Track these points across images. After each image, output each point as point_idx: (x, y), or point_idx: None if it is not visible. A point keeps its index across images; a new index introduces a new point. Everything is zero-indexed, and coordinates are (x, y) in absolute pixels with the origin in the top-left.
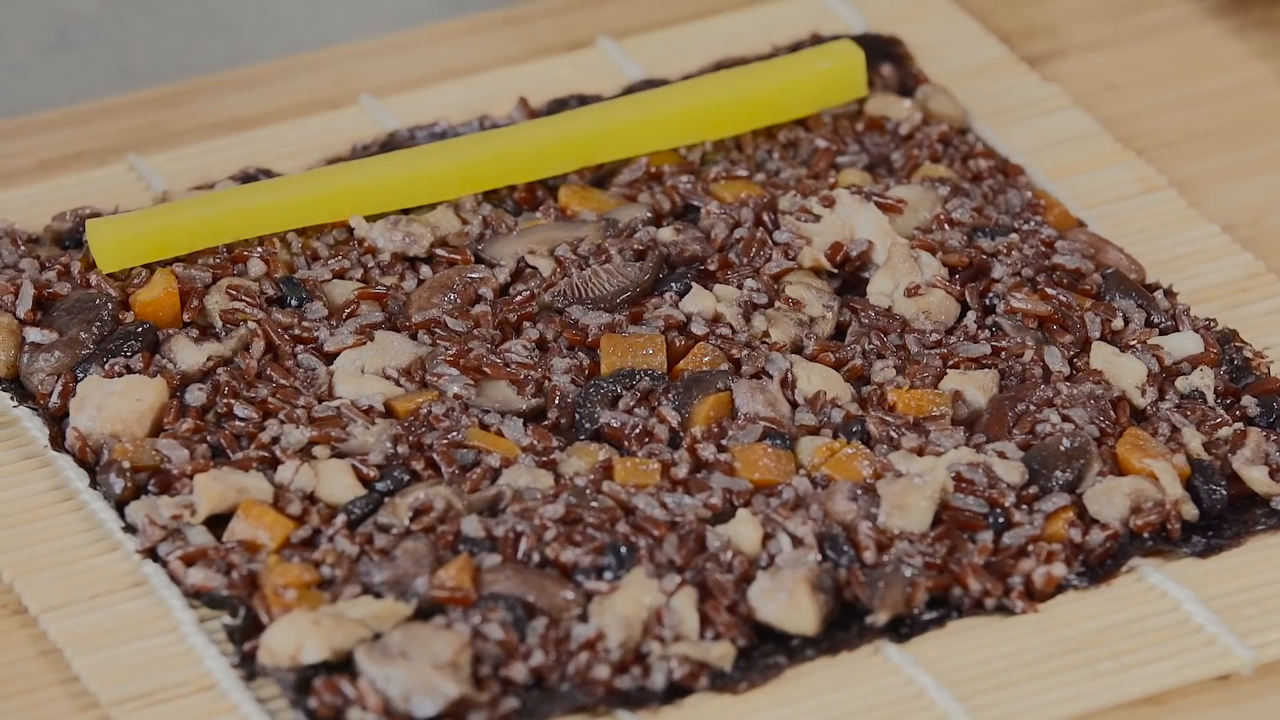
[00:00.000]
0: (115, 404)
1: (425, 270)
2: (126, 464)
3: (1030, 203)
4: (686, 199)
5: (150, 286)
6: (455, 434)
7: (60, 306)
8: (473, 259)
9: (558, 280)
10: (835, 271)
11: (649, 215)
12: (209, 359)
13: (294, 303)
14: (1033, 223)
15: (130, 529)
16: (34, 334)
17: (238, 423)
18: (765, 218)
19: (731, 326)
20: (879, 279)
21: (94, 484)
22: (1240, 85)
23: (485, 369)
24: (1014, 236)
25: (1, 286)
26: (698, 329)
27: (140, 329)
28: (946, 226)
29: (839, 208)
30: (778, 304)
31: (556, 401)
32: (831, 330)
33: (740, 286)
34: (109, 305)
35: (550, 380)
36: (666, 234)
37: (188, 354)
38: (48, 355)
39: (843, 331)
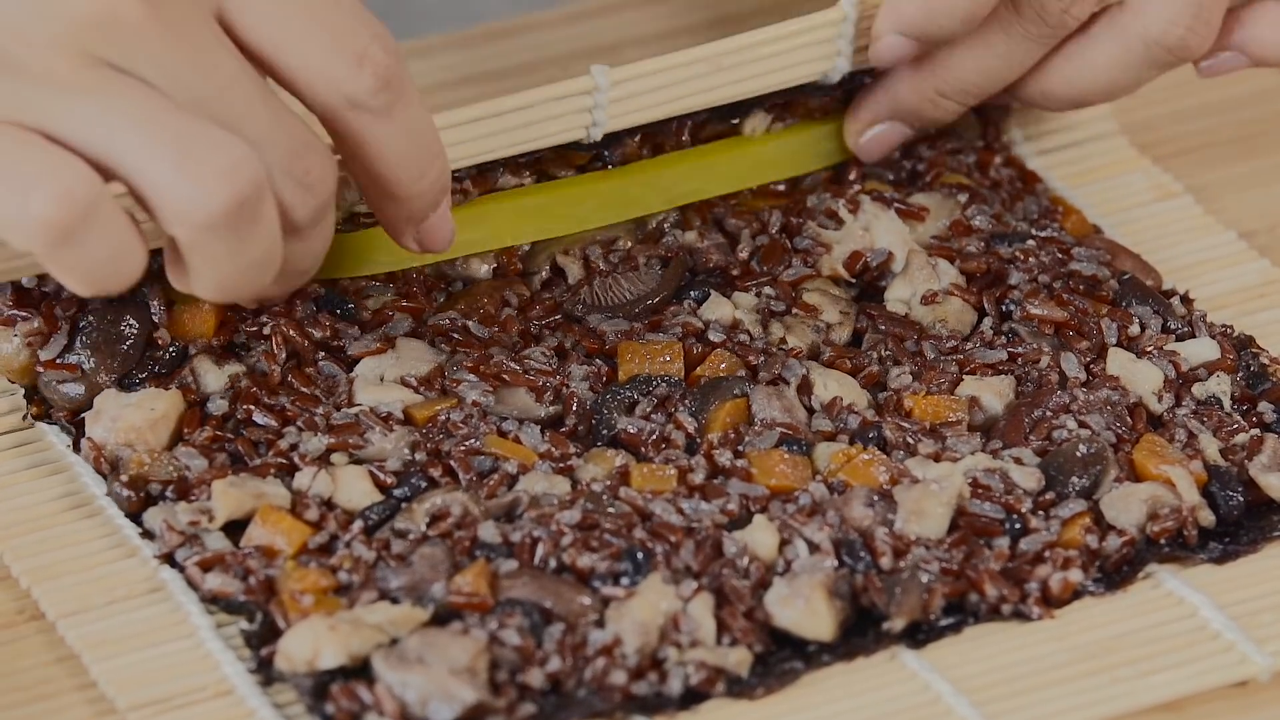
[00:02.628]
0: (130, 415)
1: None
2: (125, 477)
3: (1048, 209)
4: (716, 216)
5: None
6: (473, 441)
7: (92, 326)
8: (520, 268)
9: (581, 289)
10: (853, 281)
11: (676, 218)
12: (230, 377)
13: (337, 310)
14: (1051, 229)
15: (148, 534)
16: (53, 373)
17: (257, 429)
18: (793, 220)
19: (749, 334)
20: (897, 286)
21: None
22: (1258, 93)
23: (504, 376)
24: (1031, 243)
25: (33, 331)
26: (715, 336)
27: (166, 354)
28: (966, 234)
29: (861, 213)
30: (795, 310)
31: (574, 408)
32: (849, 337)
33: (759, 294)
34: (134, 331)
35: (569, 387)
36: (690, 237)
37: (210, 377)
38: (70, 387)
39: (860, 338)
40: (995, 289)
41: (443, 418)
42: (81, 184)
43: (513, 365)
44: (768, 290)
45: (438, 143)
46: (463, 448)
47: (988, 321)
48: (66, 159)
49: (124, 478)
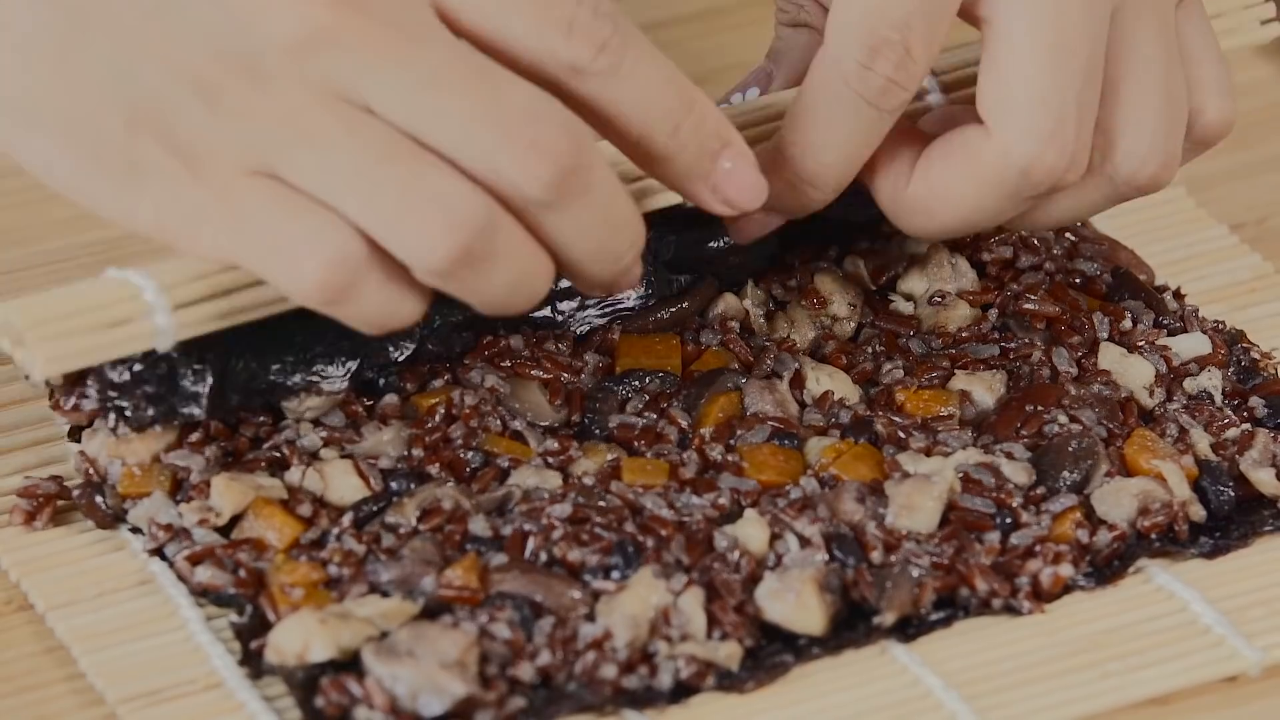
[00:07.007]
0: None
1: None
2: (102, 496)
3: None
4: None
5: None
6: (477, 437)
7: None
8: None
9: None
10: (874, 288)
11: None
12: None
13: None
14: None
15: (137, 530)
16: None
17: (252, 423)
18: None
19: (752, 330)
20: (911, 278)
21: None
22: (1247, 85)
23: (517, 370)
24: (1050, 236)
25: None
26: (713, 331)
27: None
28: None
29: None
30: (803, 302)
31: (579, 403)
32: (852, 332)
33: (772, 286)
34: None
35: (578, 382)
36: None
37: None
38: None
39: (860, 330)
40: (1008, 287)
41: (441, 411)
42: (350, 247)
43: (528, 362)
44: (791, 283)
45: (687, 90)
46: (459, 442)
47: (994, 314)
48: (330, 221)
49: (99, 495)
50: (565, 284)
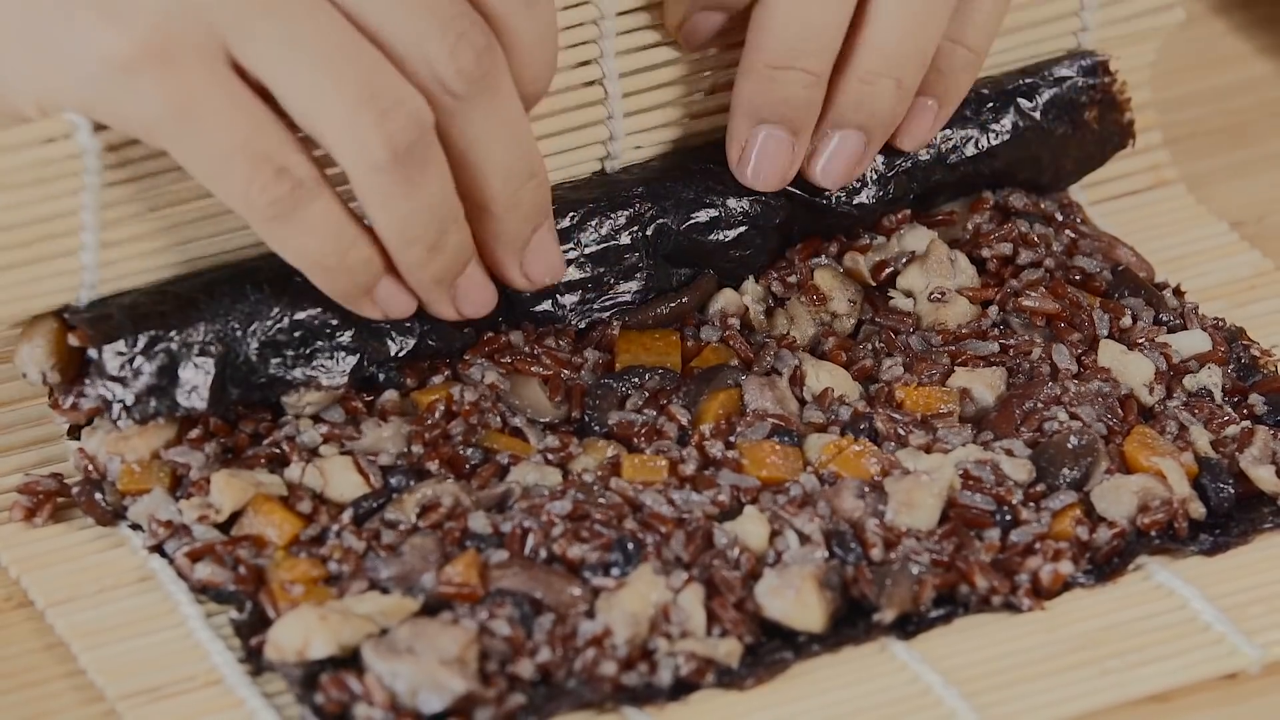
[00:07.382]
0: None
1: None
2: (102, 492)
3: (1067, 204)
4: None
5: None
6: (475, 434)
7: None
8: None
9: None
10: (874, 285)
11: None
12: None
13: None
14: (1078, 219)
15: (136, 526)
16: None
17: (251, 419)
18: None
19: (752, 326)
20: (911, 273)
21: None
22: (1246, 82)
23: (517, 366)
24: (1050, 230)
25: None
26: (713, 328)
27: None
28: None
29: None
30: (803, 298)
31: (579, 399)
32: (852, 329)
33: (774, 279)
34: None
35: (579, 378)
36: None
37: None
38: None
39: (859, 326)
40: (1008, 284)
41: (441, 407)
42: (301, 167)
43: (527, 351)
44: (791, 279)
45: (535, 155)
46: (459, 439)
47: (994, 310)
48: (287, 141)
49: (99, 491)
50: (567, 278)
